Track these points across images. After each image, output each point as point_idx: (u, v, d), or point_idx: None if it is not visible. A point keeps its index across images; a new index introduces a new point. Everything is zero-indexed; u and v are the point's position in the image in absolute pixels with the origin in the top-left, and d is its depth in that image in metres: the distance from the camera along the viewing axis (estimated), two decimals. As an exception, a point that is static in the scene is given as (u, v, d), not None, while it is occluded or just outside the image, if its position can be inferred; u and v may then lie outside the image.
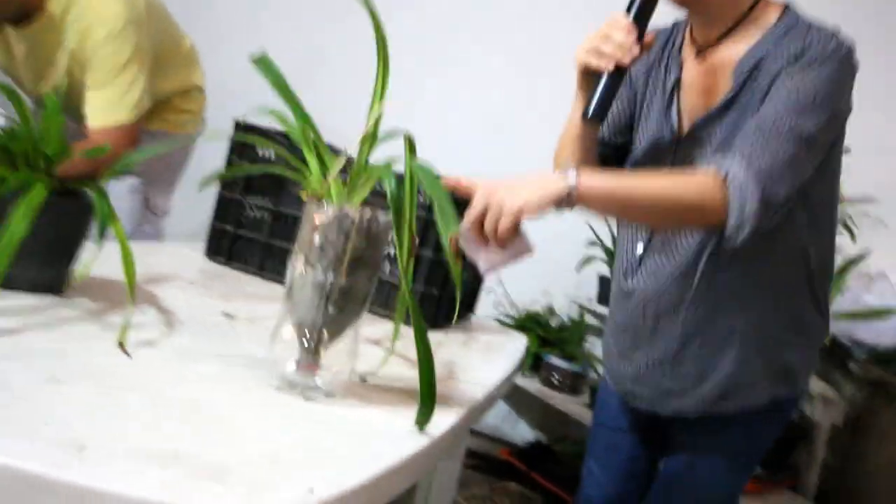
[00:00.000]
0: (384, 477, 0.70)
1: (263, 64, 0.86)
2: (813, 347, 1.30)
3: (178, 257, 1.49)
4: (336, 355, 0.88)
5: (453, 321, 1.43)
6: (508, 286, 2.80)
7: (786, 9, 1.21)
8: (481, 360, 1.32)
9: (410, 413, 0.82)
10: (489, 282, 2.74)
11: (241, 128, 1.47)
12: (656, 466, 1.42)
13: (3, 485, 0.53)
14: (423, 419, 0.82)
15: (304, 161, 0.87)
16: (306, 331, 0.85)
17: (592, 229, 2.75)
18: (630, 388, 1.34)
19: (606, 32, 1.12)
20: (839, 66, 1.11)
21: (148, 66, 1.91)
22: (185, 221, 3.32)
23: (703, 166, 1.11)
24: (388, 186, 0.75)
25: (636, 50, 1.11)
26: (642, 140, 1.31)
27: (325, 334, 0.86)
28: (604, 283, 2.72)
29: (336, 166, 0.84)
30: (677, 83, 1.27)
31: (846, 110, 1.16)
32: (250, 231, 1.49)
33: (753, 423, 1.28)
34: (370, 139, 0.84)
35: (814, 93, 1.09)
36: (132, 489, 0.53)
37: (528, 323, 2.63)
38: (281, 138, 1.43)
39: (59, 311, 0.92)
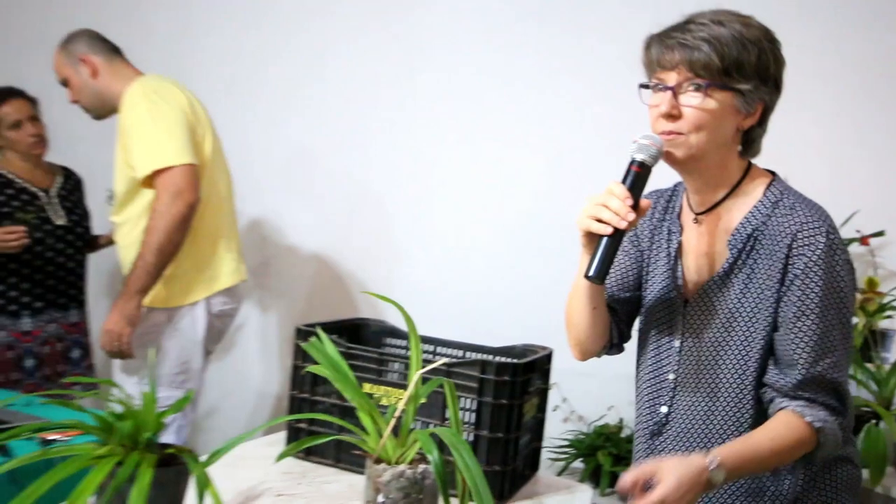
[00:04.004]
0: None
1: (314, 347, 1.02)
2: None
3: (258, 462, 1.60)
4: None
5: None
6: (574, 402, 2.88)
7: (772, 182, 1.33)
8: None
9: None
10: (555, 399, 2.82)
11: (303, 335, 1.64)
12: None
13: None
14: None
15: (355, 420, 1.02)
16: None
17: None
18: None
19: (604, 200, 1.23)
20: (833, 259, 1.26)
21: (183, 125, 2.13)
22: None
23: (786, 405, 1.28)
24: (432, 457, 0.89)
25: (632, 216, 1.22)
26: (650, 297, 1.43)
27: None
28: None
29: (388, 427, 0.99)
30: (679, 247, 1.39)
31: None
32: (322, 426, 1.64)
33: None
34: (414, 400, 0.98)
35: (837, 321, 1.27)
36: None
37: (599, 441, 2.69)
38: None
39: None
